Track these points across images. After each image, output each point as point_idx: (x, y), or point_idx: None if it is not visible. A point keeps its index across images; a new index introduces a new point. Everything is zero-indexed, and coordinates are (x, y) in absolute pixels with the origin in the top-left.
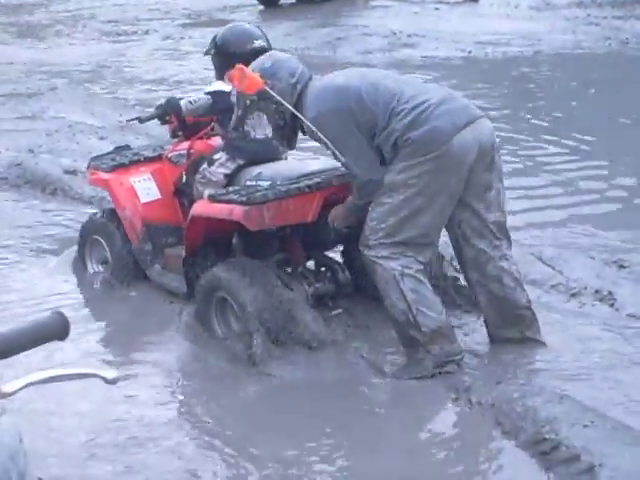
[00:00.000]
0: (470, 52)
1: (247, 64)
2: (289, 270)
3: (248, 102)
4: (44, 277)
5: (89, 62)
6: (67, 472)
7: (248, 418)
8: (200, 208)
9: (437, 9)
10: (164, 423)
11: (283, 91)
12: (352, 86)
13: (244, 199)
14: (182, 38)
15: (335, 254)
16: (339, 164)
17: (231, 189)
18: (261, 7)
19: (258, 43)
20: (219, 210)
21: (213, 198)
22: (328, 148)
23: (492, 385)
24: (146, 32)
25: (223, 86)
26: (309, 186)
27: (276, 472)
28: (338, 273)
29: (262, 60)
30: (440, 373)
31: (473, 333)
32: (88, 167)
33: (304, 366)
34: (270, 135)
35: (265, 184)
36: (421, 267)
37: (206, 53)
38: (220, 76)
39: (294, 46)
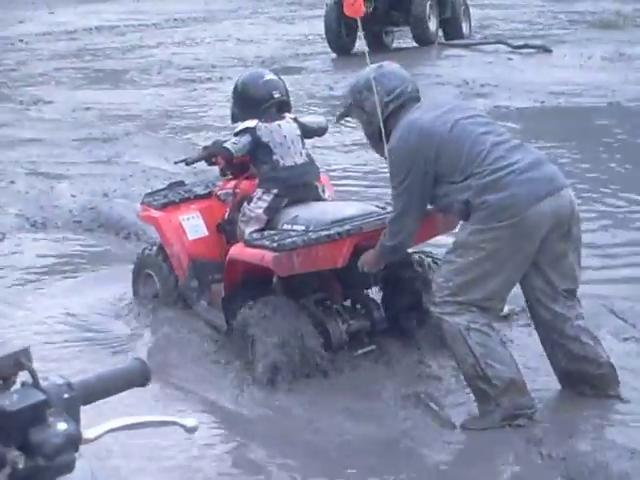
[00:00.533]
0: (543, 102)
1: (267, 94)
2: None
3: (347, 103)
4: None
5: (163, 108)
6: None
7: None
8: (235, 252)
9: (510, 59)
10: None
11: (374, 106)
12: (437, 132)
13: (275, 245)
14: None
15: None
16: (373, 209)
17: (266, 233)
18: (334, 55)
19: (270, 76)
20: (252, 255)
21: (247, 243)
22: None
23: (564, 438)
24: (220, 79)
25: (248, 123)
26: (339, 233)
27: None
28: (373, 310)
29: (372, 69)
30: (510, 426)
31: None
32: (141, 203)
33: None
34: (299, 162)
35: (300, 228)
36: (487, 321)
37: (232, 119)
38: (238, 118)
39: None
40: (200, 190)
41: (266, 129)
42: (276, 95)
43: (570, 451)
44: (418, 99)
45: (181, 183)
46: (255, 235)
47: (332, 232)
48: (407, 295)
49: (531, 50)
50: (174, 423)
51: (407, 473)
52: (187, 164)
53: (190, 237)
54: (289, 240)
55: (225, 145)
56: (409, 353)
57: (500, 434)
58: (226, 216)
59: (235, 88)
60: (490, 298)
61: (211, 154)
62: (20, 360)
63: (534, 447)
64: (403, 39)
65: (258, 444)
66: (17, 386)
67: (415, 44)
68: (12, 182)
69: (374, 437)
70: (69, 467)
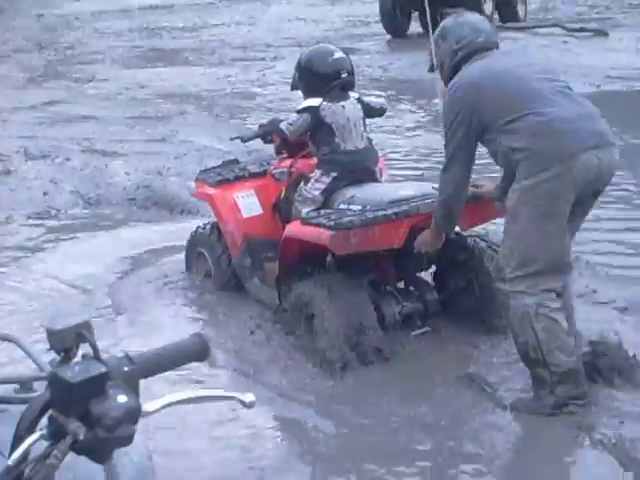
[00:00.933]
0: (599, 86)
1: (330, 79)
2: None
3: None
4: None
5: (218, 87)
6: None
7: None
8: (292, 230)
9: (566, 42)
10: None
11: (445, 52)
12: (484, 76)
13: (332, 224)
14: None
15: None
16: (430, 190)
17: (322, 212)
18: (388, 36)
19: (338, 54)
20: (308, 233)
21: (304, 221)
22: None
23: (615, 424)
24: (274, 58)
25: (312, 102)
26: (396, 213)
27: None
28: (426, 293)
29: (452, 17)
30: (561, 413)
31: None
32: (196, 180)
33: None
34: (360, 147)
35: (356, 208)
36: (558, 305)
37: (293, 81)
38: (305, 93)
39: (421, 76)
40: (255, 168)
41: (330, 109)
42: (343, 75)
43: (621, 436)
44: (489, 49)
45: (235, 161)
46: (312, 214)
47: (389, 212)
48: (460, 277)
49: (587, 33)
50: (233, 398)
51: (457, 455)
52: (243, 141)
53: (245, 215)
54: (346, 219)
55: (281, 126)
56: (462, 336)
57: (551, 418)
58: (282, 195)
59: (299, 62)
60: (557, 259)
61: (267, 132)
62: (81, 332)
63: (585, 432)
64: None
65: (307, 422)
66: (78, 358)
67: None
68: (67, 159)
69: (424, 419)
70: (128, 439)
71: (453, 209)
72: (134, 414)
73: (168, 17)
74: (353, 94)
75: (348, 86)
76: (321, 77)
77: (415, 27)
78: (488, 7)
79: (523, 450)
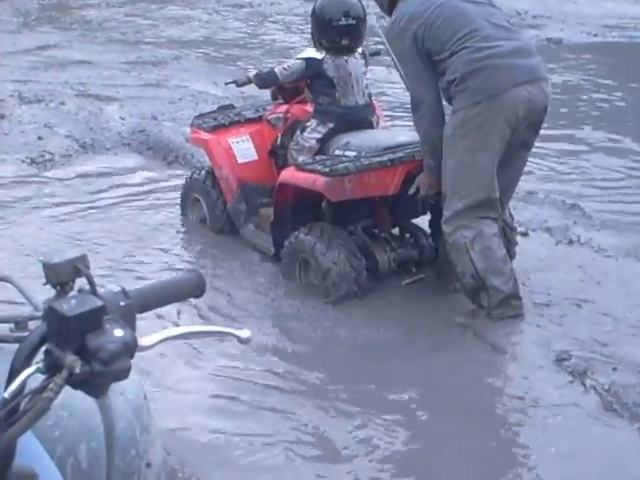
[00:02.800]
0: (596, 35)
1: (339, 35)
2: (375, 235)
3: None
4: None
5: (214, 33)
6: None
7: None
8: (287, 175)
9: None
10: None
11: None
12: (424, 10)
13: (327, 170)
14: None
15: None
16: None
17: (318, 158)
18: None
19: (347, 20)
20: (303, 179)
21: (299, 167)
22: (394, 63)
23: (608, 370)
24: (270, 4)
25: (315, 53)
26: (391, 160)
27: None
28: (421, 240)
29: None
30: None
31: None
32: (191, 125)
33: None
34: (360, 103)
35: (351, 154)
36: (493, 231)
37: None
38: (315, 43)
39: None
40: (250, 114)
41: (333, 63)
42: (344, 41)
43: (613, 383)
44: None
45: (231, 106)
46: (307, 159)
47: (384, 159)
48: None
49: None
50: (229, 334)
51: (448, 403)
52: (237, 85)
53: (240, 160)
54: (341, 165)
55: (275, 69)
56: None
57: (544, 366)
58: (278, 141)
59: (314, 9)
60: (490, 192)
61: (261, 79)
62: (77, 266)
63: (577, 378)
64: None
65: (298, 358)
66: (74, 292)
67: None
68: (62, 103)
69: (417, 368)
70: (124, 373)
71: (437, 143)
72: (130, 348)
73: None
74: (359, 50)
75: (356, 44)
76: (330, 32)
77: None
78: None
79: (516, 398)
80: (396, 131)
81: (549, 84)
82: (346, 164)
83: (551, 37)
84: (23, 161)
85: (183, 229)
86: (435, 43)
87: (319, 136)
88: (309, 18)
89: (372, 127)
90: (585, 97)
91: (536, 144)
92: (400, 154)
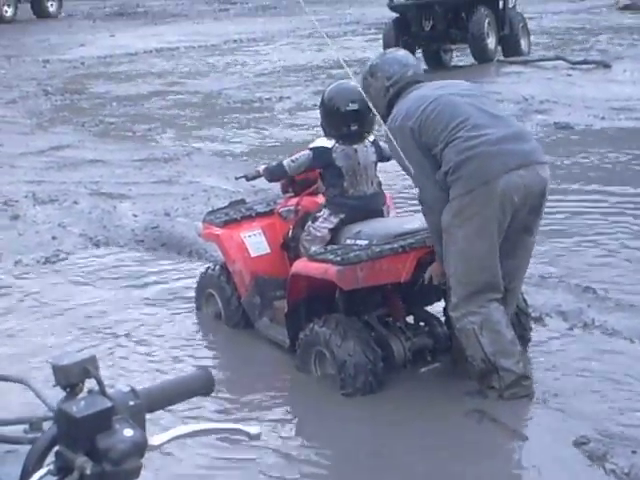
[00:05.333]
0: (603, 118)
1: (346, 123)
2: (390, 324)
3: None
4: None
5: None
6: None
7: None
8: (299, 266)
9: (569, 75)
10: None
11: (377, 90)
12: (420, 107)
13: (338, 259)
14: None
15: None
16: None
17: (329, 248)
18: None
19: (353, 106)
20: (315, 269)
21: (311, 257)
22: (398, 160)
23: (627, 453)
24: (280, 99)
25: (325, 142)
26: (402, 247)
27: None
28: (436, 328)
29: (376, 56)
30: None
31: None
32: (203, 221)
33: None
34: (369, 192)
35: (363, 243)
36: (500, 315)
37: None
38: (325, 132)
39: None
40: (261, 208)
41: (342, 152)
42: (354, 127)
43: (634, 465)
44: (419, 82)
45: (242, 201)
46: (319, 249)
47: (396, 246)
48: None
49: (590, 66)
50: (238, 431)
51: None
52: (248, 180)
53: (252, 254)
54: (353, 254)
55: (283, 161)
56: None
57: (564, 449)
58: (290, 233)
59: (323, 99)
60: (492, 278)
61: (270, 173)
62: (87, 368)
63: (597, 462)
64: (462, 57)
65: (311, 453)
66: (84, 394)
67: (474, 61)
68: (75, 202)
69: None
70: (135, 473)
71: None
72: (140, 447)
73: (173, 61)
74: (370, 138)
75: (365, 129)
76: (338, 119)
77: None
78: (491, 41)
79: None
80: (407, 218)
81: (546, 168)
82: (357, 252)
83: (558, 122)
84: (38, 261)
85: (197, 324)
86: (430, 137)
87: (331, 226)
88: (320, 108)
89: (383, 216)
90: (593, 177)
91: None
92: (411, 240)
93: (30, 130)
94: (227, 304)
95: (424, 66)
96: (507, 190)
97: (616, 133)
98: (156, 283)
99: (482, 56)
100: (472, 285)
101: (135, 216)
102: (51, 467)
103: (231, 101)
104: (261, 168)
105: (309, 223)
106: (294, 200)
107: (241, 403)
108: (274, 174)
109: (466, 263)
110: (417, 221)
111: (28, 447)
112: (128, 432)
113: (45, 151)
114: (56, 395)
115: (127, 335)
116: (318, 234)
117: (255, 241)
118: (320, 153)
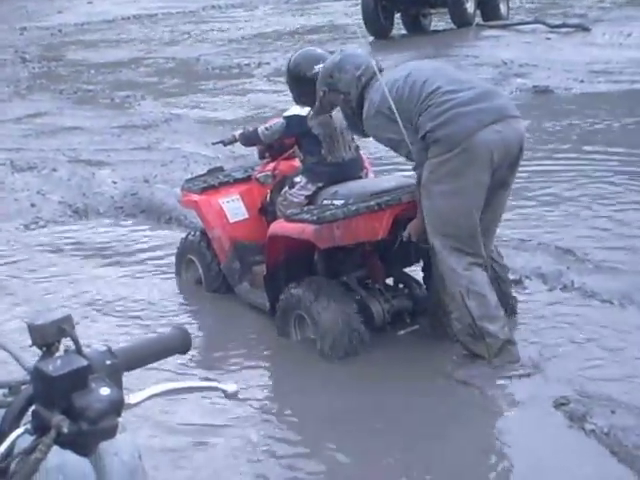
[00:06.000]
0: (582, 81)
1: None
2: (369, 286)
3: (321, 93)
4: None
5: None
6: None
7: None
8: (276, 227)
9: (548, 39)
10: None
11: (349, 83)
12: (394, 85)
13: (315, 218)
14: None
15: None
16: (412, 181)
17: (305, 208)
18: (371, 38)
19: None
20: (293, 229)
21: (288, 218)
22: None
23: (607, 413)
24: (258, 65)
25: (300, 110)
26: (379, 204)
27: None
28: (415, 290)
29: (333, 55)
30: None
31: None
32: (182, 189)
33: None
34: (347, 158)
35: (339, 203)
36: (486, 279)
37: (286, 81)
38: (296, 100)
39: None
40: (239, 174)
41: (316, 120)
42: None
43: (613, 426)
44: (382, 70)
45: (220, 169)
46: (295, 210)
47: (372, 203)
48: None
49: (569, 29)
50: (215, 388)
51: (448, 451)
52: (224, 145)
53: (231, 219)
54: (329, 212)
55: (258, 129)
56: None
57: (544, 410)
58: (267, 198)
59: (288, 67)
60: (470, 235)
61: (247, 139)
62: (62, 327)
63: (577, 422)
64: (441, 21)
65: (290, 414)
66: (60, 353)
67: (453, 26)
68: (54, 170)
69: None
70: (112, 432)
71: None
72: (117, 406)
73: (151, 27)
74: None
75: None
76: (308, 85)
77: (398, 29)
78: (470, 5)
79: (514, 444)
80: (383, 178)
81: (520, 121)
82: (333, 211)
83: (538, 85)
84: (17, 228)
85: (178, 290)
86: (408, 112)
87: (308, 193)
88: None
89: (359, 179)
90: (576, 141)
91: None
92: (387, 198)
93: (8, 97)
94: (207, 270)
95: (403, 31)
96: (486, 147)
97: (595, 96)
98: (136, 250)
99: (461, 20)
100: (449, 239)
101: (114, 183)
102: (28, 426)
103: (210, 67)
104: (237, 133)
105: (286, 189)
106: (271, 165)
107: (220, 364)
108: (250, 140)
109: (442, 219)
110: (393, 180)
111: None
112: (105, 391)
113: (23, 118)
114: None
115: (107, 302)
116: (295, 200)
117: (233, 207)
118: (294, 122)
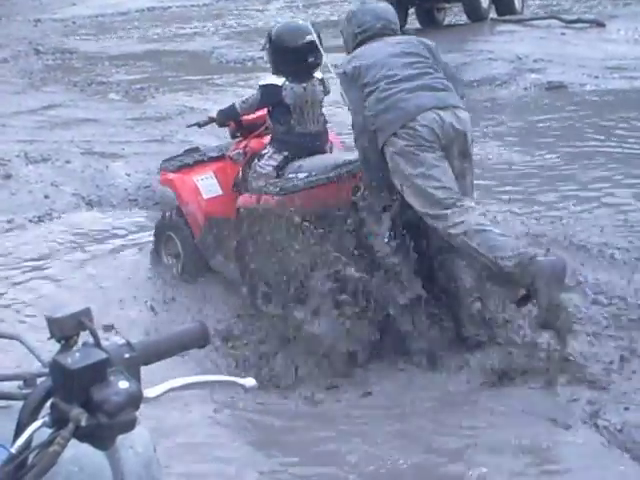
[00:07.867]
0: (597, 77)
1: (299, 59)
2: None
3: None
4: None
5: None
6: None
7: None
8: (243, 201)
9: (563, 34)
10: None
11: (349, 35)
12: (364, 59)
13: (277, 189)
14: None
15: None
16: None
17: (271, 182)
18: None
19: (309, 38)
20: (257, 201)
21: (253, 191)
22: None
23: (620, 410)
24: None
25: (275, 80)
26: (338, 175)
27: None
28: None
29: (354, 4)
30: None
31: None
32: (159, 168)
33: None
34: (314, 130)
35: (303, 175)
36: (482, 216)
37: (262, 49)
38: (274, 70)
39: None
40: (214, 153)
41: (292, 90)
42: (310, 59)
43: (626, 422)
44: (385, 35)
45: (196, 149)
46: (261, 184)
47: (332, 174)
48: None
49: (584, 25)
50: (233, 383)
51: (453, 442)
52: (199, 126)
53: (205, 196)
54: (291, 184)
55: (235, 103)
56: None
57: (556, 406)
58: (239, 174)
59: (270, 35)
60: (447, 199)
61: (223, 116)
62: (81, 320)
63: (590, 419)
64: (455, 15)
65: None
66: (79, 346)
67: (467, 20)
68: (68, 162)
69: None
70: (130, 425)
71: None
72: (135, 400)
73: (165, 19)
74: (317, 74)
75: (314, 67)
76: (289, 56)
77: (412, 23)
78: (485, 0)
79: (528, 437)
80: (346, 152)
81: (464, 111)
82: (295, 183)
83: (552, 80)
84: (30, 220)
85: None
86: (364, 80)
87: (275, 163)
88: (266, 46)
89: (325, 152)
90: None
91: None
92: (346, 169)
93: (22, 89)
94: (185, 245)
95: (417, 25)
96: (425, 124)
97: (610, 92)
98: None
99: (475, 15)
100: (436, 207)
101: (128, 175)
102: (46, 419)
103: (224, 60)
104: (213, 113)
105: (255, 161)
106: (243, 143)
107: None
108: (228, 116)
109: (423, 195)
110: (353, 154)
111: (22, 403)
112: (123, 384)
113: (37, 110)
114: (50, 353)
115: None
116: (263, 171)
117: (207, 184)
118: (270, 90)
